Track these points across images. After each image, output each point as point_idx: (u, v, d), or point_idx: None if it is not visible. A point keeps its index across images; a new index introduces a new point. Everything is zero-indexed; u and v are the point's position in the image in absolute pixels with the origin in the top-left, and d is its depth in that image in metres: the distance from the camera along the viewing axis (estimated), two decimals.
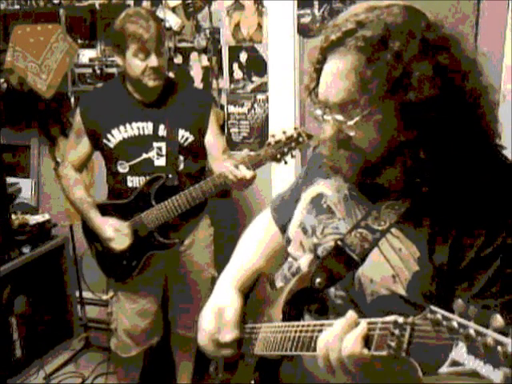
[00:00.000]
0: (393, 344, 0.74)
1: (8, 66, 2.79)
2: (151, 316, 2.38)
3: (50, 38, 2.74)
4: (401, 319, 0.75)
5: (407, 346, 0.72)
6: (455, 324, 0.65)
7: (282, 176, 2.55)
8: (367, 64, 0.86)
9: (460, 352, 0.64)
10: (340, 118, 0.91)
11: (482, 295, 0.86)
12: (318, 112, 0.96)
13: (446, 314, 0.68)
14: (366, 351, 0.78)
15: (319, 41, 0.95)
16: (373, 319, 0.81)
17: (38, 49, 2.76)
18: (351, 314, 0.84)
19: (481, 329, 0.63)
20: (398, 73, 0.85)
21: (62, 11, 2.76)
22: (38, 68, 2.76)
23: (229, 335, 1.15)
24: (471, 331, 0.63)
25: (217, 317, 1.17)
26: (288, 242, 1.17)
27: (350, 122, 0.90)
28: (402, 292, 0.92)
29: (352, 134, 0.91)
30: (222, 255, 2.34)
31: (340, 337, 0.82)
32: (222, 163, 2.05)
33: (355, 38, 0.87)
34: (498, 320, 0.62)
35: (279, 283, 1.18)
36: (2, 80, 2.89)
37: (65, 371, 2.91)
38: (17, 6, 2.89)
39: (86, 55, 2.90)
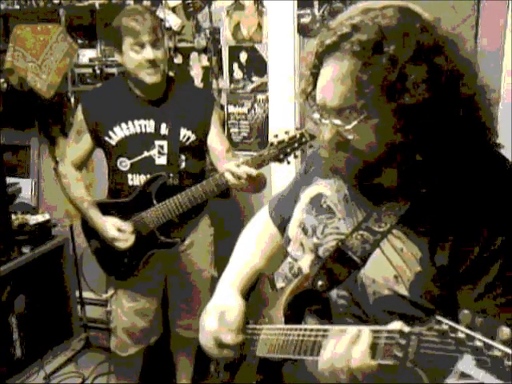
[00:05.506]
0: (399, 354, 0.74)
1: (8, 66, 2.79)
2: (150, 315, 2.38)
3: (50, 38, 2.75)
4: (406, 329, 0.74)
5: (413, 356, 0.72)
6: (462, 335, 0.65)
7: (282, 176, 2.55)
8: (363, 68, 0.85)
9: (468, 364, 0.63)
10: (338, 122, 0.91)
11: (482, 298, 0.86)
12: (316, 116, 0.96)
13: (452, 324, 0.67)
14: (373, 362, 0.78)
15: (314, 45, 0.94)
16: (377, 327, 0.81)
17: (38, 49, 2.76)
18: (353, 329, 0.84)
19: (488, 341, 0.62)
20: (394, 76, 0.84)
21: (62, 11, 2.75)
22: (38, 68, 2.76)
23: (231, 337, 1.13)
24: (478, 343, 0.62)
25: (219, 317, 1.15)
26: (288, 241, 1.17)
27: (348, 127, 0.90)
28: (405, 292, 0.92)
29: (350, 137, 0.91)
30: (222, 255, 2.34)
31: (347, 350, 0.82)
32: (226, 162, 2.03)
33: (350, 42, 0.86)
34: (506, 332, 0.61)
35: (280, 284, 1.17)
36: (2, 80, 2.89)
37: (65, 371, 2.91)
38: (17, 6, 2.88)
39: (86, 55, 2.90)
